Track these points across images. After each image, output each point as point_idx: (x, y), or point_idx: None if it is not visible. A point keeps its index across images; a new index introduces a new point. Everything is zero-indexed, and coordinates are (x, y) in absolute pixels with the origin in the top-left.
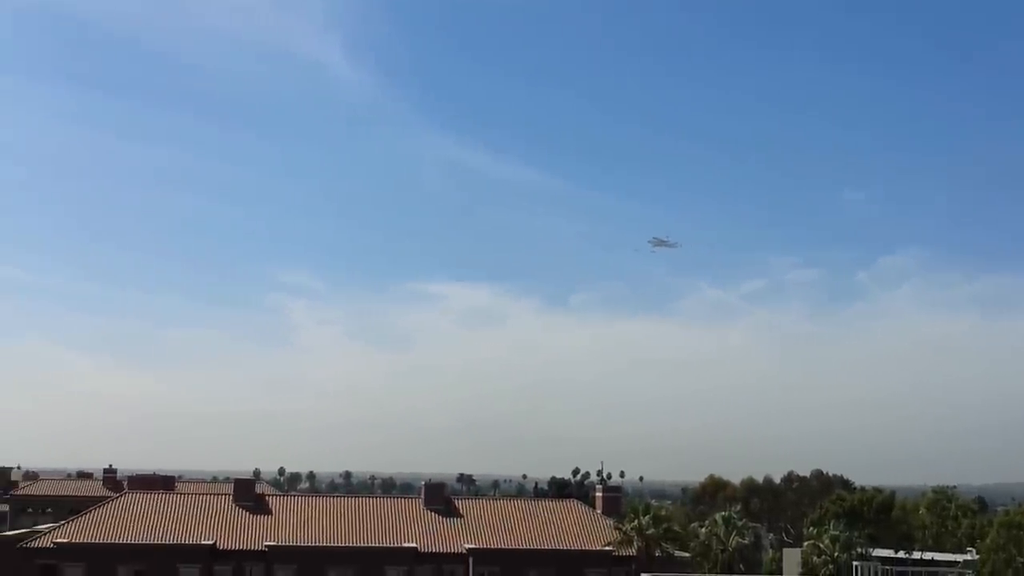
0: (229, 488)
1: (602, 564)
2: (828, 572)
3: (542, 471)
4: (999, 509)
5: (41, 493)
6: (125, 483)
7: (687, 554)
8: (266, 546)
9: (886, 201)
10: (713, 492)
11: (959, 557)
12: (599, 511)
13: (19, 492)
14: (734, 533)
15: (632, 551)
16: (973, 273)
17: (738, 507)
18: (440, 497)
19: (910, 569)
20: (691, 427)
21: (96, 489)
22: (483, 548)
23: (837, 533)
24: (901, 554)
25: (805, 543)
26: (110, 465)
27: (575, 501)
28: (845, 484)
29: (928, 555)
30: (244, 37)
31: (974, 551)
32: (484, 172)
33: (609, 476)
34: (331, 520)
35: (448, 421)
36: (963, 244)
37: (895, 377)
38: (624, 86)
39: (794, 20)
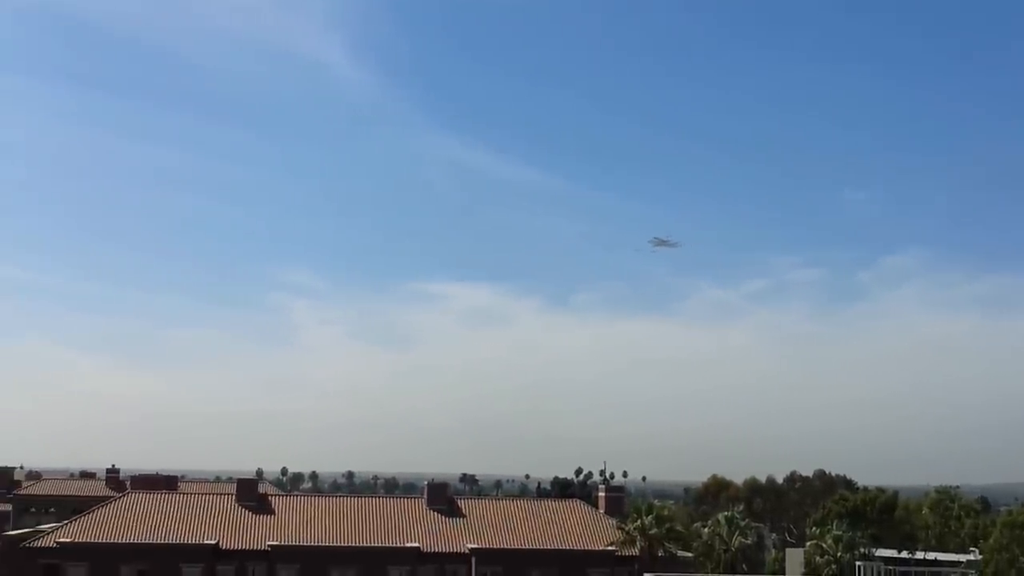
0: (232, 488)
1: (605, 564)
2: (831, 572)
3: (545, 471)
4: (1002, 509)
5: (44, 493)
6: (128, 483)
7: (690, 554)
8: (269, 546)
9: (887, 201)
10: (716, 492)
11: (962, 557)
12: (602, 511)
13: (22, 492)
14: (737, 533)
15: (635, 551)
16: (975, 273)
17: (741, 507)
18: (443, 497)
19: (913, 569)
20: (694, 427)
21: (99, 489)
22: (486, 548)
23: (840, 533)
24: (904, 554)
25: (808, 543)
26: (113, 465)
27: (578, 501)
28: (848, 484)
29: (931, 555)
30: (246, 37)
31: (977, 551)
32: (485, 172)
33: (612, 476)
34: (334, 520)
35: (450, 421)
36: (964, 244)
37: (897, 377)
38: (625, 86)
39: (795, 20)
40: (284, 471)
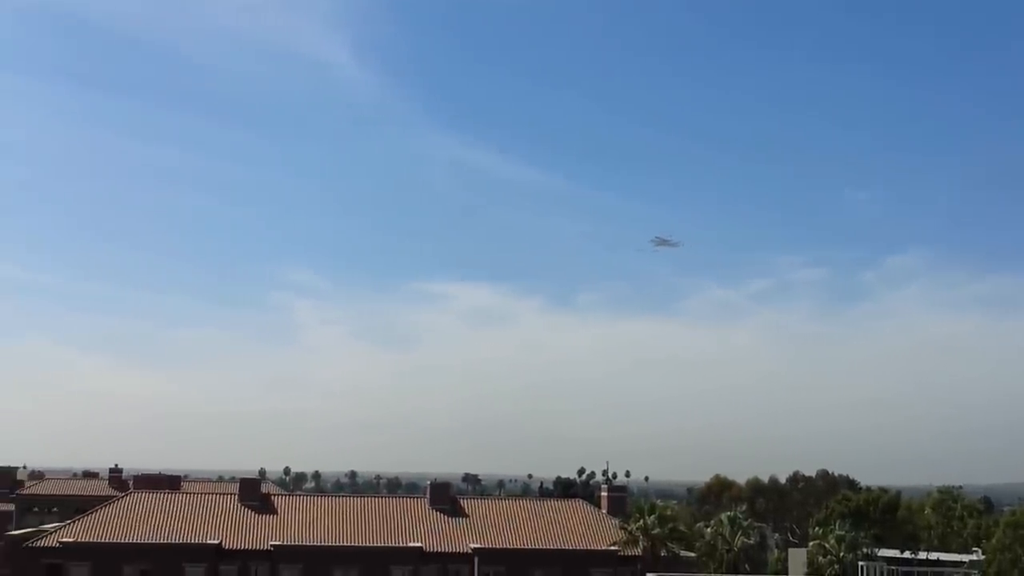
0: (235, 488)
1: (607, 564)
2: (834, 572)
3: (547, 471)
4: (1005, 509)
5: (47, 493)
6: (131, 483)
7: (693, 554)
8: (272, 546)
9: (890, 201)
10: (719, 492)
11: (965, 557)
12: (604, 511)
13: (25, 492)
14: (739, 533)
15: (637, 551)
16: (978, 273)
17: (743, 507)
18: (445, 497)
19: (916, 569)
20: (697, 427)
21: (102, 489)
22: (488, 548)
23: (843, 533)
24: (907, 554)
25: (811, 543)
26: (116, 465)
27: (580, 501)
28: (851, 484)
29: (934, 555)
30: (250, 37)
31: (980, 551)
32: (488, 172)
33: (614, 476)
34: (336, 520)
35: (453, 421)
36: (967, 243)
37: (901, 377)
38: (627, 86)
39: (797, 20)
40: (287, 471)
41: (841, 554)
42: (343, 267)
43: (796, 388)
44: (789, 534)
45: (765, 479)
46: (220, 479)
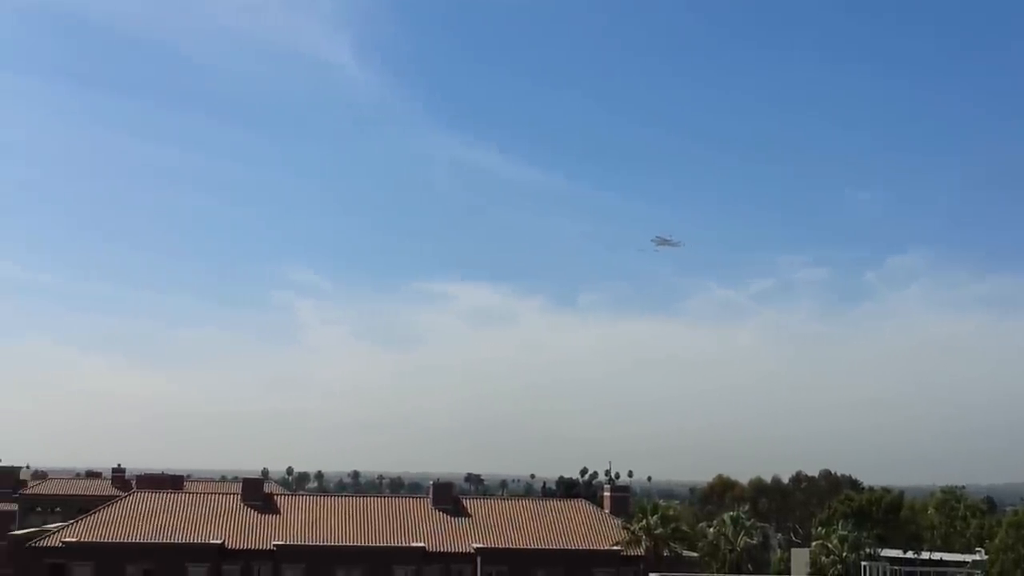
0: (237, 488)
1: (610, 564)
2: (836, 572)
3: (550, 471)
4: (1008, 509)
5: (50, 492)
6: (134, 482)
7: (695, 554)
8: (274, 545)
9: (893, 201)
10: (721, 492)
11: (968, 557)
12: (607, 511)
13: (28, 491)
14: (742, 533)
15: (640, 551)
16: (980, 272)
17: (746, 507)
18: (448, 497)
19: (919, 569)
20: (699, 427)
21: (105, 488)
22: (491, 548)
23: (845, 533)
24: (910, 554)
25: (813, 543)
26: (119, 464)
27: (583, 501)
28: (853, 484)
29: (937, 555)
30: (252, 37)
31: (983, 551)
32: (490, 172)
33: (617, 476)
34: (339, 520)
35: (455, 421)
36: (970, 243)
37: (903, 377)
38: (629, 86)
39: (799, 20)
40: (290, 471)
41: (844, 554)
42: (344, 267)
43: (798, 388)
44: (792, 534)
45: (768, 479)
46: (223, 479)
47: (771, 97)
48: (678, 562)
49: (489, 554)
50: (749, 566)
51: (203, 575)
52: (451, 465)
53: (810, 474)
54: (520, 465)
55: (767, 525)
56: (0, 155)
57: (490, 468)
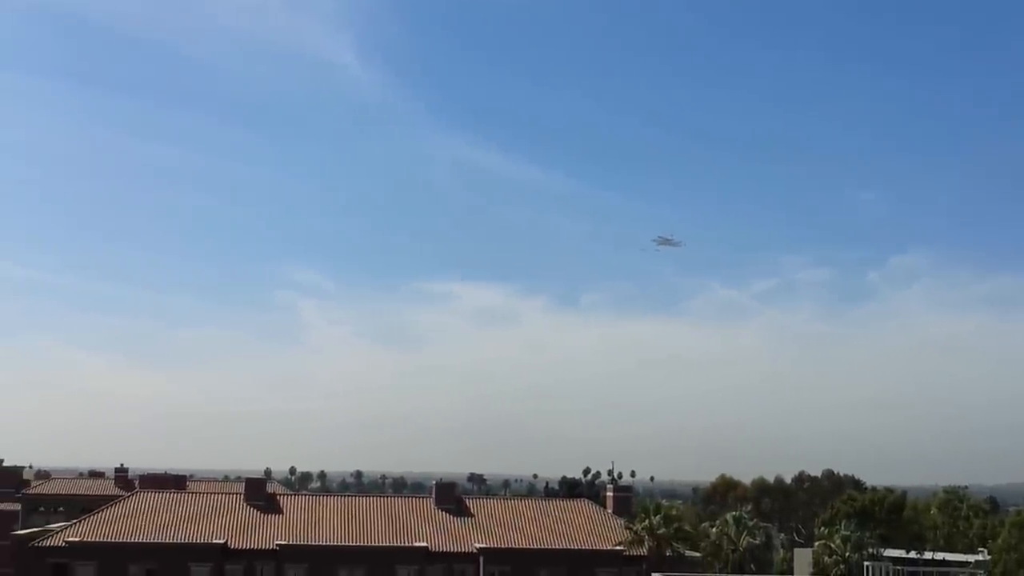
0: (240, 487)
1: (613, 564)
2: (839, 572)
3: (553, 471)
4: (1011, 509)
5: (53, 492)
6: (137, 482)
7: (698, 554)
8: (277, 545)
9: (895, 201)
10: (724, 492)
11: (971, 557)
12: (610, 511)
13: (31, 491)
14: (745, 533)
15: (643, 551)
16: (983, 272)
17: (749, 507)
18: (451, 497)
19: (921, 569)
20: (702, 427)
21: (108, 488)
22: (494, 548)
23: (848, 533)
24: (912, 554)
25: (816, 543)
26: (122, 464)
27: (586, 501)
28: (856, 484)
29: (940, 555)
30: (255, 37)
31: (986, 551)
32: (492, 171)
33: (620, 476)
34: (342, 519)
35: (458, 421)
36: (972, 243)
37: (906, 377)
38: (631, 86)
39: (801, 20)
40: (292, 470)
41: (847, 554)
42: (348, 267)
43: (801, 388)
44: (794, 534)
45: (770, 479)
46: (226, 479)
47: (773, 97)
48: (681, 562)
49: (492, 554)
50: (752, 566)
51: (206, 575)
52: (454, 465)
53: (813, 474)
54: (523, 465)
55: (770, 525)
56: (0, 155)
57: (493, 468)
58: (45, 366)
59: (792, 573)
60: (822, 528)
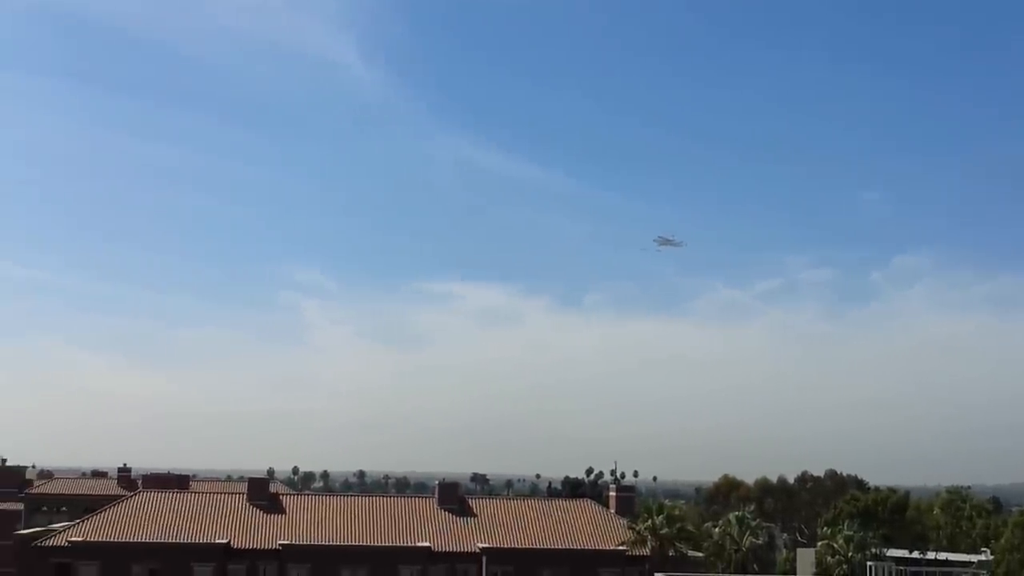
0: (243, 487)
1: (616, 564)
2: (842, 572)
3: (555, 471)
4: (1014, 509)
5: (56, 492)
6: (139, 482)
7: (701, 554)
8: (280, 545)
9: (898, 201)
10: (727, 492)
11: (973, 557)
12: (613, 511)
13: (34, 491)
14: (748, 533)
15: (646, 551)
16: (986, 272)
17: (752, 507)
18: (454, 496)
19: (924, 569)
20: (705, 427)
21: (111, 488)
22: (497, 547)
23: (851, 533)
24: (915, 554)
25: (819, 543)
26: (124, 464)
27: (589, 501)
28: (859, 484)
29: (943, 555)
30: (257, 37)
31: (988, 551)
32: (494, 171)
33: (623, 476)
34: (345, 519)
35: (461, 421)
36: (975, 243)
37: (909, 377)
38: (632, 86)
39: (803, 20)
40: (295, 470)
41: (850, 554)
42: (350, 267)
43: (804, 388)
44: (797, 534)
45: (773, 479)
46: (228, 479)
47: (775, 97)
48: (683, 562)
49: (494, 554)
50: (754, 566)
51: (209, 575)
52: (456, 465)
53: (816, 474)
54: (525, 465)
55: (773, 525)
56: (0, 154)
57: (495, 468)
58: (46, 366)
59: (795, 573)
60: (825, 528)
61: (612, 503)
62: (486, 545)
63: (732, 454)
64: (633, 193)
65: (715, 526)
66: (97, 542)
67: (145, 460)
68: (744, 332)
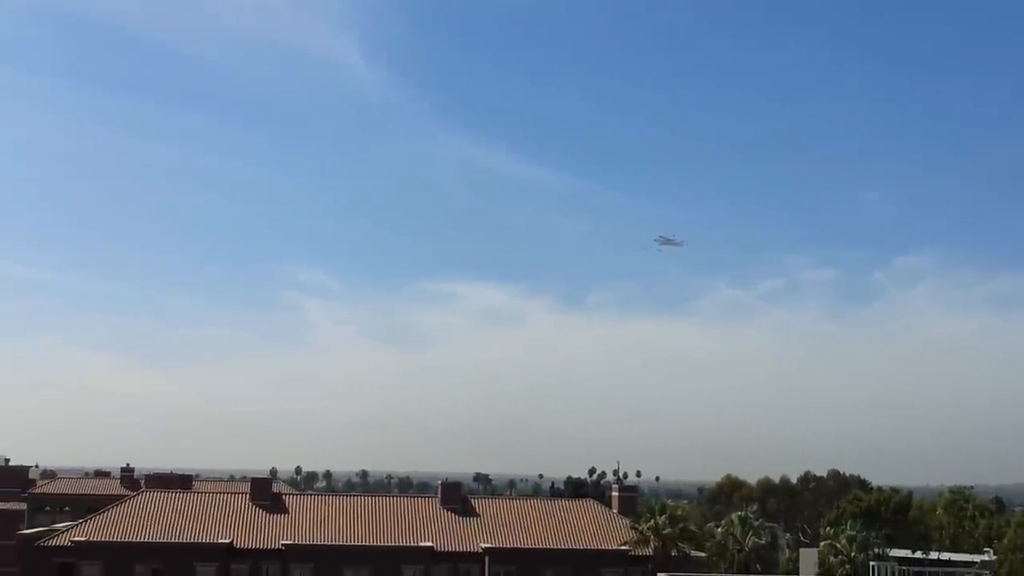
0: (246, 487)
1: (618, 564)
2: (845, 572)
3: (558, 470)
4: (1017, 509)
5: (59, 492)
6: (142, 482)
7: (703, 554)
8: (283, 545)
9: (901, 201)
10: (729, 492)
11: (976, 557)
12: (615, 511)
13: (37, 491)
14: (750, 533)
15: (648, 551)
16: (989, 272)
17: (755, 507)
18: (456, 496)
19: (927, 569)
20: (707, 427)
21: (114, 488)
22: (499, 547)
23: (854, 533)
24: (918, 554)
25: (822, 543)
26: (127, 464)
27: (591, 501)
28: (862, 484)
29: (945, 555)
30: (259, 37)
31: (991, 551)
32: (497, 171)
33: (625, 476)
34: (348, 519)
35: (463, 420)
36: (978, 243)
37: (912, 377)
38: (635, 86)
39: (806, 20)
40: (298, 470)
41: (852, 554)
42: (353, 267)
43: (807, 388)
44: (800, 534)
45: (776, 479)
46: (231, 479)
47: (778, 97)
48: (686, 562)
49: (497, 554)
50: (757, 566)
51: (212, 575)
52: (459, 465)
53: (818, 474)
54: (528, 465)
55: (775, 525)
56: (1, 153)
57: (498, 468)
58: (46, 366)
59: (798, 573)
60: (828, 528)
61: (615, 503)
62: (489, 545)
63: (735, 454)
64: (635, 193)
65: (718, 526)
66: (100, 542)
67: (147, 460)
68: (746, 332)
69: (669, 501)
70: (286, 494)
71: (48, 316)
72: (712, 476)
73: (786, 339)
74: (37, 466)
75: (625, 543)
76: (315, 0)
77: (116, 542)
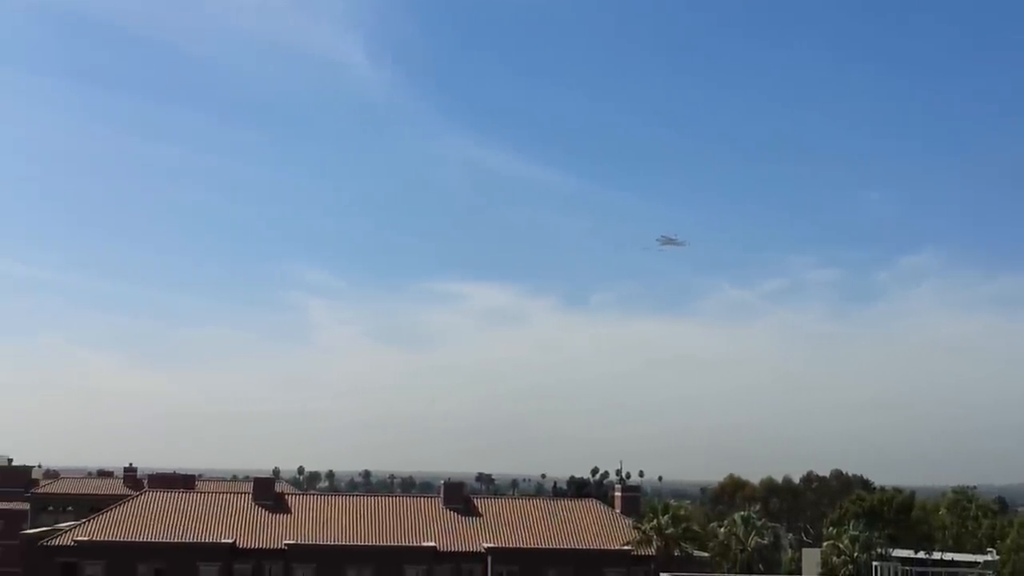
0: (249, 487)
1: (621, 564)
2: (847, 572)
3: (561, 471)
4: (1020, 509)
5: (62, 492)
6: (145, 482)
7: (706, 554)
8: (285, 545)
9: (905, 201)
10: (732, 492)
11: (979, 557)
12: (618, 511)
13: (40, 491)
14: (753, 533)
15: (651, 551)
16: (992, 272)
17: (757, 507)
18: (459, 496)
19: (930, 570)
20: (710, 427)
21: (116, 488)
22: (502, 547)
23: (857, 533)
24: (921, 554)
25: (824, 543)
26: (130, 464)
27: (594, 501)
28: (865, 484)
29: (948, 555)
30: (264, 37)
31: (994, 551)
32: (500, 171)
33: (628, 476)
34: (350, 519)
35: (467, 420)
36: (981, 243)
37: (914, 377)
38: (638, 86)
39: (809, 20)
40: (301, 470)
41: (855, 554)
42: (357, 267)
43: (810, 388)
44: (803, 534)
45: (779, 479)
46: (234, 478)
47: (781, 97)
48: (689, 562)
49: (500, 554)
50: (760, 566)
51: (214, 574)
52: (462, 465)
53: (821, 474)
54: (531, 465)
55: (778, 525)
56: (1, 152)
57: (501, 468)
58: (47, 365)
59: (800, 573)
60: (830, 528)
61: (617, 503)
62: (491, 545)
63: (737, 454)
64: (639, 193)
65: (720, 526)
66: (103, 541)
67: (149, 460)
68: (750, 332)
69: (672, 501)
70: (289, 494)
71: (49, 315)
72: (715, 476)
73: (789, 339)
74: (40, 466)
75: (628, 543)
76: (320, 1)
77: (119, 542)
